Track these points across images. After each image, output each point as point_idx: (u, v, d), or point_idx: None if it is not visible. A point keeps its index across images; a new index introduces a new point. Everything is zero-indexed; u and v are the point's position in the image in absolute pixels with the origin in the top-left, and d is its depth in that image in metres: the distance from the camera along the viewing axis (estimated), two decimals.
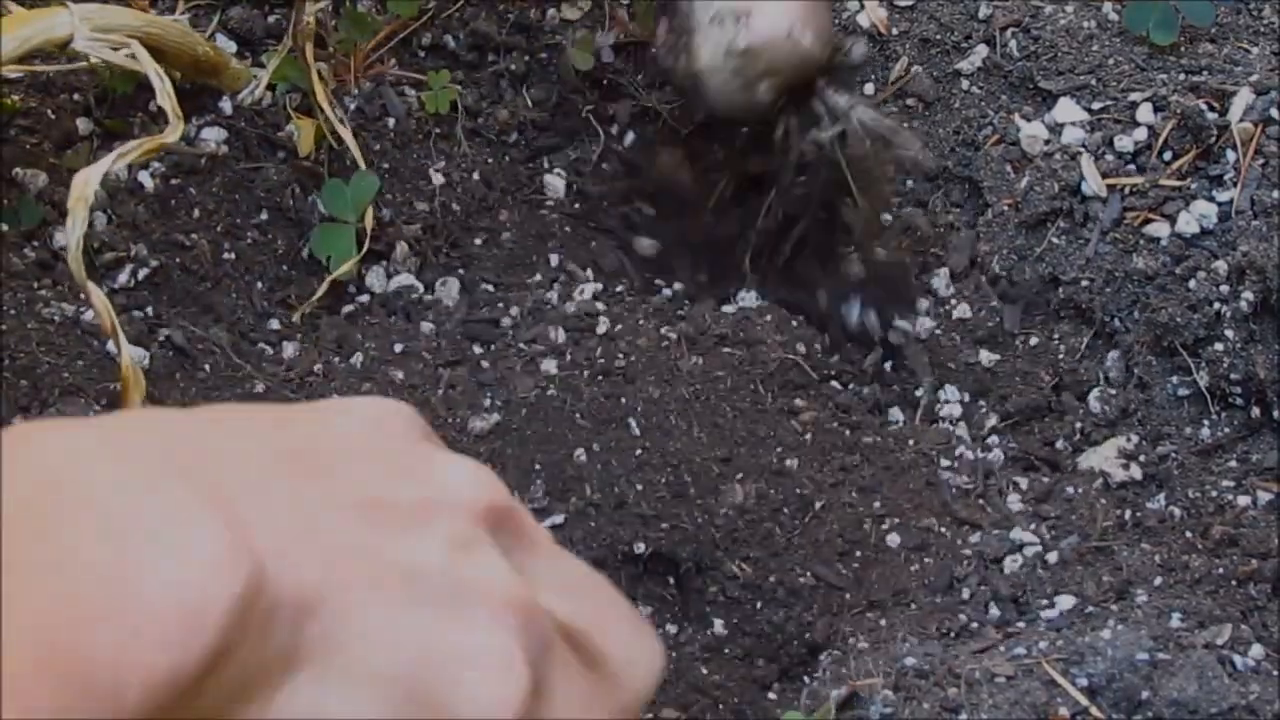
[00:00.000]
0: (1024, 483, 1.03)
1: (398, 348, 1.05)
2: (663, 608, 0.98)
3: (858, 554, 0.99)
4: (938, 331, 1.10)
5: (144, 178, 1.07)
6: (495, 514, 0.57)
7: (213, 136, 1.09)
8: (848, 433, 1.03)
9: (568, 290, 1.10)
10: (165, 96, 1.00)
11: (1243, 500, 0.98)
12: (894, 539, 0.99)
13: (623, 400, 1.01)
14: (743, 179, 1.11)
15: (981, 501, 1.02)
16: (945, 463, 1.03)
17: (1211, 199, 1.03)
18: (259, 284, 1.08)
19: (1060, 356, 1.07)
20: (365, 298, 1.09)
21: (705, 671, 0.96)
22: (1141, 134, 1.07)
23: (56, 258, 1.03)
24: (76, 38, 0.98)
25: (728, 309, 1.07)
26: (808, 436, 1.01)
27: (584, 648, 0.60)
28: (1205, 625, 0.90)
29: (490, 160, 1.13)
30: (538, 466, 0.99)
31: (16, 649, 0.45)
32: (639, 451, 0.99)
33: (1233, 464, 1.01)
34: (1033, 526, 1.00)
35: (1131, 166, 1.07)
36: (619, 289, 1.11)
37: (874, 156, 1.05)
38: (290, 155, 1.10)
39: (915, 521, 1.00)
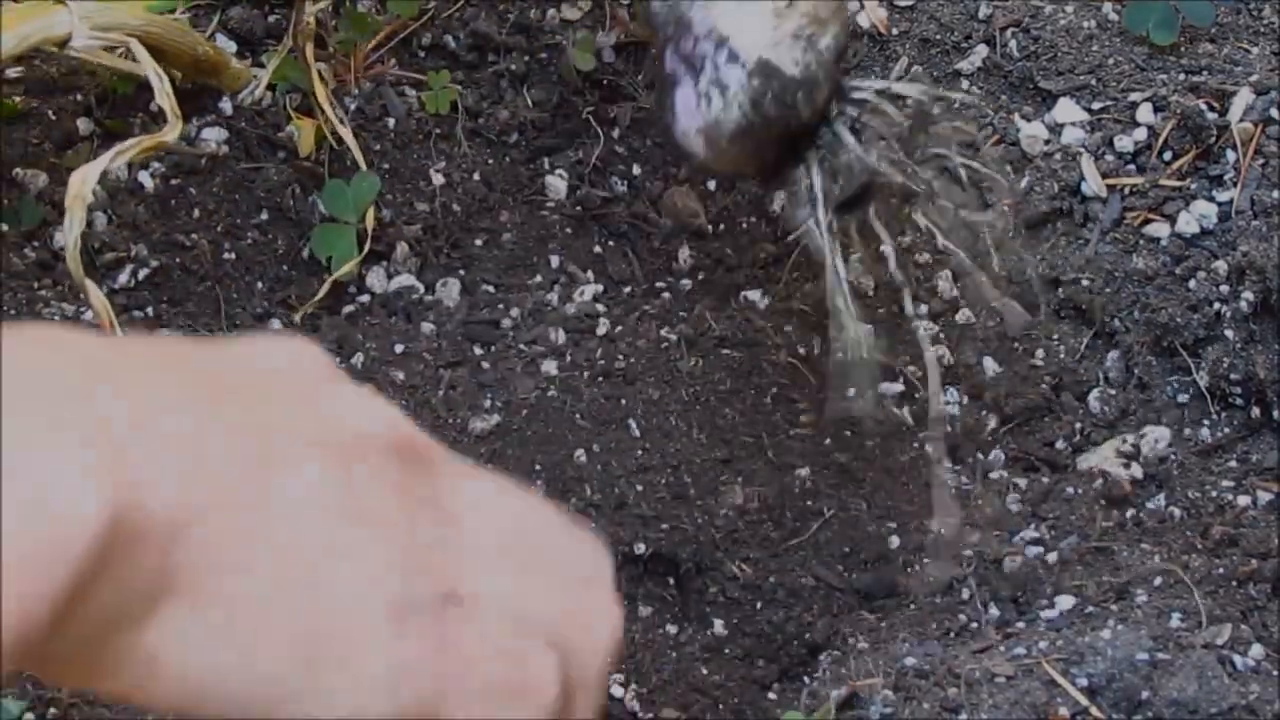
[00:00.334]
0: (1023, 483, 1.03)
1: (398, 348, 1.05)
2: (663, 608, 0.98)
3: (858, 555, 0.99)
4: (939, 332, 1.10)
5: (144, 178, 1.07)
6: (405, 449, 0.56)
7: (213, 136, 1.09)
8: (848, 433, 1.03)
9: (568, 291, 1.09)
10: (164, 96, 1.00)
11: (1243, 500, 0.98)
12: (894, 540, 0.99)
13: (623, 401, 1.01)
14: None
15: (981, 502, 1.02)
16: (945, 463, 1.03)
17: (1211, 199, 1.03)
18: (259, 284, 1.08)
19: (1060, 357, 1.07)
20: (366, 298, 1.09)
21: (705, 672, 0.96)
22: (1141, 134, 1.07)
23: (57, 258, 1.03)
24: (75, 36, 0.98)
25: (729, 309, 1.07)
26: (808, 437, 1.01)
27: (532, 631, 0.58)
28: (1205, 625, 0.89)
29: (491, 161, 1.13)
30: (538, 467, 0.99)
31: None
32: (639, 452, 0.99)
33: (1233, 464, 1.00)
34: (1032, 527, 1.00)
35: (1131, 166, 1.07)
36: (619, 290, 1.11)
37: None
38: (290, 155, 1.10)
39: (915, 522, 1.00)
